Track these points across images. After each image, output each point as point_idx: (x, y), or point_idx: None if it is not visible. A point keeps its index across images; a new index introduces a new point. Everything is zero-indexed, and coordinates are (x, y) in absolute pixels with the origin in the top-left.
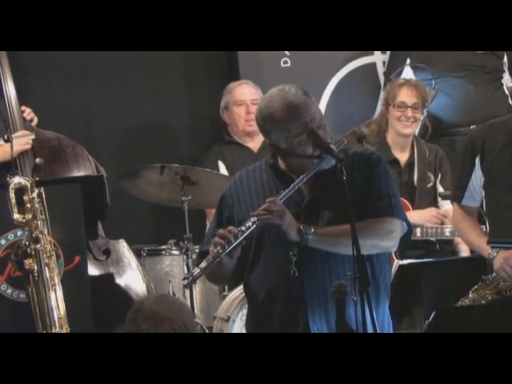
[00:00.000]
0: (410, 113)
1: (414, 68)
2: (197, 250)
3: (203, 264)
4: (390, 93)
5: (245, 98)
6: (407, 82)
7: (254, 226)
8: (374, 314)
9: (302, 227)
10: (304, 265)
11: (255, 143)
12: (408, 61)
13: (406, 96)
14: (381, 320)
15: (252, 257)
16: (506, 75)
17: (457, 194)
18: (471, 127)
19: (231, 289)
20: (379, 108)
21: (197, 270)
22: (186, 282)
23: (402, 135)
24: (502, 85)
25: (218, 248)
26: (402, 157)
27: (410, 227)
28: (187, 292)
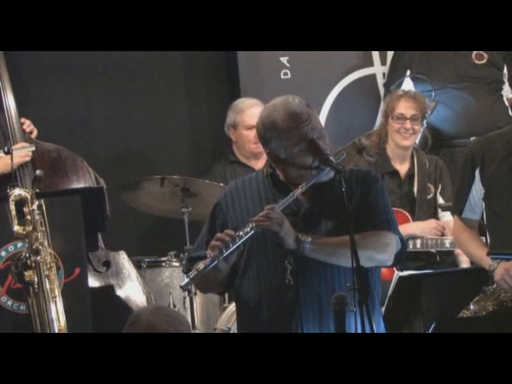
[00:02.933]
0: (408, 125)
1: (414, 79)
2: None
3: (201, 266)
4: (388, 104)
5: (255, 121)
6: (406, 93)
7: (252, 231)
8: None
9: (299, 236)
10: (299, 274)
11: (260, 163)
12: (408, 72)
13: (404, 108)
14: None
15: (244, 263)
16: (506, 86)
17: (457, 207)
18: (471, 139)
19: (231, 300)
20: (379, 119)
21: (194, 272)
22: (183, 283)
23: (401, 147)
24: (502, 96)
25: (216, 251)
26: (402, 168)
27: (404, 244)
28: (187, 303)
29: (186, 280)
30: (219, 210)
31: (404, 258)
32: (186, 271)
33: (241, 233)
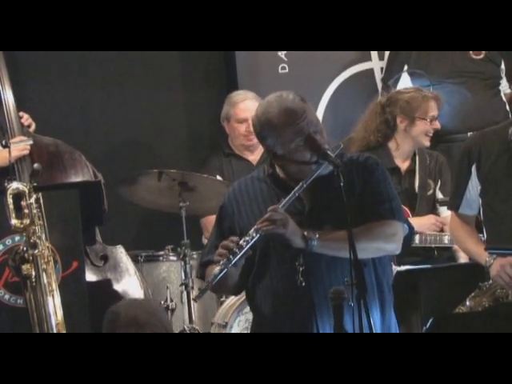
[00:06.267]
0: (438, 124)
1: (412, 74)
2: (194, 256)
3: (211, 277)
4: (420, 106)
5: (247, 115)
6: (434, 95)
7: (258, 235)
8: (381, 319)
9: (306, 233)
10: (311, 274)
11: (255, 155)
12: (405, 67)
13: (435, 109)
14: (387, 325)
15: (257, 267)
16: (504, 82)
17: (454, 202)
18: (468, 134)
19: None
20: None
21: (205, 284)
22: (195, 296)
23: (424, 147)
24: (500, 91)
25: (224, 260)
26: (403, 165)
27: (411, 228)
28: (184, 298)
29: (199, 293)
30: (225, 214)
31: (411, 241)
32: (200, 276)
33: (247, 238)
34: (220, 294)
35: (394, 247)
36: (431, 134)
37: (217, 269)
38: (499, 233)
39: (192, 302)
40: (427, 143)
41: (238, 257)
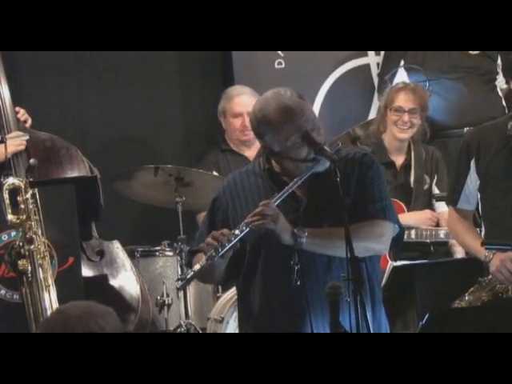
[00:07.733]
0: (406, 117)
1: (408, 70)
2: None
3: (197, 266)
4: (388, 96)
5: (242, 109)
6: (406, 86)
7: (248, 229)
8: (372, 315)
9: (295, 230)
10: (307, 273)
11: (251, 151)
12: (402, 62)
13: (403, 101)
14: (378, 321)
15: (249, 266)
16: (500, 77)
17: (452, 197)
18: (465, 129)
19: (225, 290)
20: (374, 109)
21: (190, 273)
22: (179, 284)
23: (398, 140)
24: (496, 87)
25: (212, 251)
26: (398, 159)
27: (402, 229)
28: (181, 293)
29: (183, 280)
30: (219, 206)
31: (402, 242)
32: (187, 264)
33: (236, 231)
34: (204, 282)
35: (382, 247)
36: (403, 127)
37: (203, 259)
38: (498, 227)
39: (188, 297)
40: (399, 135)
41: (225, 249)
